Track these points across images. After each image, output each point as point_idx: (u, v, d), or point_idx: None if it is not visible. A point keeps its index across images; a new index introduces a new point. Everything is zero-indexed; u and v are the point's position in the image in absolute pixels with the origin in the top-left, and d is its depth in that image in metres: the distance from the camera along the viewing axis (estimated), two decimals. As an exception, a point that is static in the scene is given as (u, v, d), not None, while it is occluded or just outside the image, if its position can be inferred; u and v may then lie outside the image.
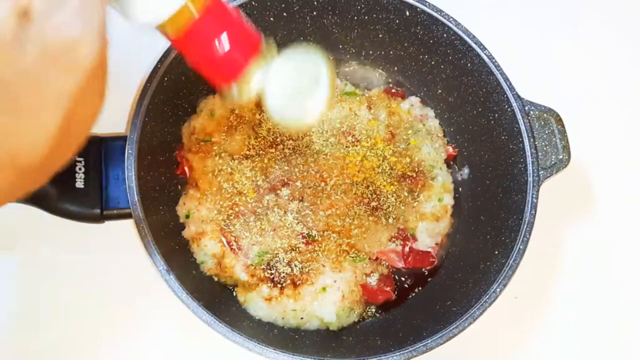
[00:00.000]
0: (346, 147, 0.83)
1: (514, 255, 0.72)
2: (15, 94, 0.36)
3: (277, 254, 0.78)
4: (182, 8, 0.47)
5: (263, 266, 0.78)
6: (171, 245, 0.76)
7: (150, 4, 0.46)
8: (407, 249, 0.81)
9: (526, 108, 0.77)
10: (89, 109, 0.41)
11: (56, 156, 0.40)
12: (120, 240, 0.76)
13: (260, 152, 0.82)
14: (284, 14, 0.84)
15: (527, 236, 0.72)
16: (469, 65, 0.82)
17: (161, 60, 0.75)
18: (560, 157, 0.76)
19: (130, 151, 0.71)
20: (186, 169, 0.83)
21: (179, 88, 0.80)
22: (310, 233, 0.79)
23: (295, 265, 0.78)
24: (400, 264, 0.81)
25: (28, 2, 0.35)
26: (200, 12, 0.47)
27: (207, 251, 0.78)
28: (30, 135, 0.38)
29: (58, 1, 0.36)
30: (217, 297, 0.78)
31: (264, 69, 0.54)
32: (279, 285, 0.77)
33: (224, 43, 0.49)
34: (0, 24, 0.34)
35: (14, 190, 0.41)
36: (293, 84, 0.57)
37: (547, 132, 0.77)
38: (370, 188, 0.81)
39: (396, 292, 0.82)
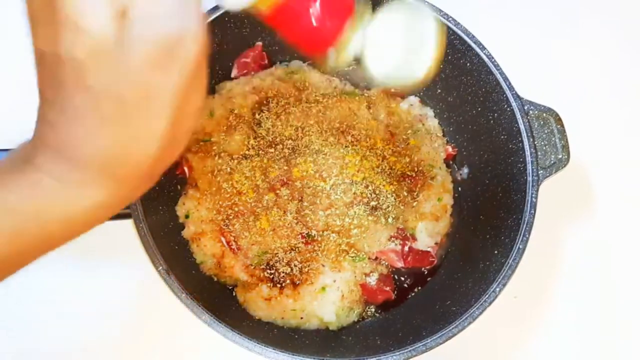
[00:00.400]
0: (345, 146, 0.83)
1: (514, 255, 0.71)
2: (122, 100, 0.35)
3: (276, 253, 0.78)
4: None
5: (262, 266, 0.78)
6: (170, 245, 0.76)
7: None
8: (406, 248, 0.81)
9: (525, 107, 0.77)
10: (192, 106, 0.38)
11: (162, 160, 0.39)
12: (120, 241, 0.76)
13: (260, 152, 0.82)
14: (284, 14, 0.84)
15: (527, 236, 0.72)
16: (468, 64, 0.82)
17: (160, 60, 0.75)
18: (560, 156, 0.76)
19: (129, 151, 0.71)
20: (185, 168, 0.83)
21: (178, 88, 0.80)
22: (310, 233, 0.79)
23: (295, 265, 0.78)
24: (400, 264, 0.81)
25: (125, 1, 0.33)
26: None
27: (207, 251, 0.78)
28: (139, 142, 0.37)
29: None
30: (216, 297, 0.78)
31: (361, 30, 0.50)
32: (279, 285, 0.77)
33: (317, 10, 0.47)
34: (101, 28, 0.33)
35: (121, 203, 0.40)
36: (395, 43, 0.53)
37: (546, 131, 0.77)
38: (370, 188, 0.81)
39: (396, 292, 0.82)
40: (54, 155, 0.37)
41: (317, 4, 0.46)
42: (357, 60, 0.53)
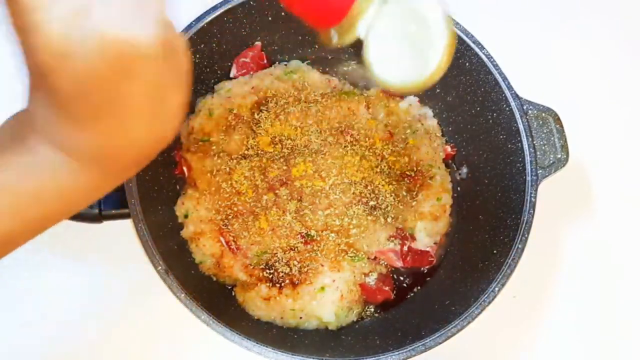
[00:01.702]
0: (344, 146, 0.83)
1: (513, 255, 0.72)
2: (91, 103, 0.35)
3: (275, 253, 0.78)
4: None
5: (262, 266, 0.78)
6: (170, 245, 0.76)
7: None
8: (405, 248, 0.81)
9: (524, 107, 0.77)
10: (171, 104, 0.39)
11: (147, 153, 0.40)
12: (119, 240, 0.76)
13: (259, 151, 0.82)
14: (282, 13, 0.84)
15: (526, 235, 0.72)
16: (467, 64, 0.82)
17: (159, 60, 0.75)
18: (559, 156, 0.76)
19: (128, 151, 0.71)
20: (184, 168, 0.82)
21: (177, 88, 0.80)
22: (309, 233, 0.79)
23: (294, 265, 0.78)
24: (399, 264, 0.81)
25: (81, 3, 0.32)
26: None
27: (206, 251, 0.78)
28: (120, 140, 0.38)
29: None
30: (215, 297, 0.78)
31: (368, 13, 0.48)
32: (278, 285, 0.77)
33: None
34: (58, 29, 0.32)
35: (111, 185, 0.43)
36: (401, 36, 0.49)
37: (545, 131, 0.77)
38: (369, 187, 0.81)
39: (395, 292, 0.82)
40: (44, 140, 0.38)
41: None
42: (360, 43, 0.50)
